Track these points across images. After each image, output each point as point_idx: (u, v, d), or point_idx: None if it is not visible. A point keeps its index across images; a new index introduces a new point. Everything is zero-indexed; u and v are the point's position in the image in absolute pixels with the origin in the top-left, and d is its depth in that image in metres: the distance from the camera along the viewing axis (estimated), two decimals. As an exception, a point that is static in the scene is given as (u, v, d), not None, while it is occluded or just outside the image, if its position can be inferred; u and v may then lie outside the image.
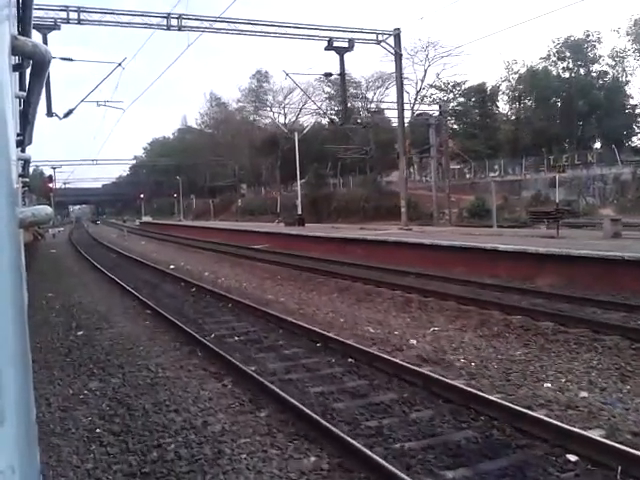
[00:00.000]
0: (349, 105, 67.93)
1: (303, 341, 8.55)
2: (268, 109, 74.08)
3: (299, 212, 32.94)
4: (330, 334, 8.65)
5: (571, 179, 44.61)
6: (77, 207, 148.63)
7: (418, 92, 53.69)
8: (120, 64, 19.25)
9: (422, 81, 52.61)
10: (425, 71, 52.77)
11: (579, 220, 34.78)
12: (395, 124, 61.24)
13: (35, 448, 1.43)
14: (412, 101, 55.07)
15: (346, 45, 20.87)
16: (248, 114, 76.39)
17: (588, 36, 50.24)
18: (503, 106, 61.32)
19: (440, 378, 6.17)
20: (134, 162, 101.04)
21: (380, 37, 21.18)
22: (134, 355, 8.09)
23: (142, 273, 18.99)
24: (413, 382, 6.30)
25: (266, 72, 72.47)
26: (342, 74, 21.47)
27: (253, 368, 7.07)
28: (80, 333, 9.98)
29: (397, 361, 6.93)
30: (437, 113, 51.98)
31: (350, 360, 7.42)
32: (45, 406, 6.20)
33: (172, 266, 20.62)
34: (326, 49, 20.73)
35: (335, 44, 20.69)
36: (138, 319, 10.74)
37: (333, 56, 20.58)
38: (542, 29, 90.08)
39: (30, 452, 1.14)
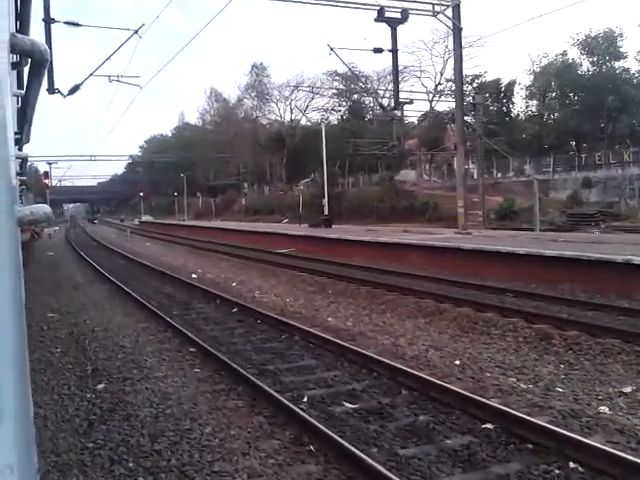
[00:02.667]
0: (359, 99, 65.13)
1: (460, 418, 5.46)
2: (273, 105, 70.82)
3: (325, 212, 29.74)
4: (497, 404, 5.58)
5: (605, 179, 41.70)
6: (71, 205, 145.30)
7: (437, 86, 50.64)
8: (136, 31, 16.08)
9: (441, 74, 49.51)
10: (445, 63, 49.64)
11: (624, 224, 31.85)
12: (411, 119, 58.30)
13: (33, 447, 1.31)
14: (430, 95, 52.10)
15: (399, 16, 17.83)
16: (252, 110, 72.98)
17: (615, 31, 47.55)
18: (521, 102, 58.51)
19: None
20: (133, 159, 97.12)
21: (437, 8, 18.17)
22: (200, 446, 4.97)
23: (161, 284, 15.88)
24: None
25: (262, 64, 69.34)
26: (394, 50, 18.38)
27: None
28: (101, 387, 6.87)
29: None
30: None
31: (575, 466, 4.37)
32: None
33: (194, 275, 17.52)
34: (376, 20, 17.66)
35: (387, 15, 17.66)
36: (182, 362, 7.62)
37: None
38: (566, 21, 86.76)
39: (28, 451, 1.11)
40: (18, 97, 2.35)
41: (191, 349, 8.13)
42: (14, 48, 1.19)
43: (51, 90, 15.36)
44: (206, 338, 8.75)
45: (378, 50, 18.63)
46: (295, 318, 10.56)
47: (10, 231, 0.97)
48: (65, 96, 16.08)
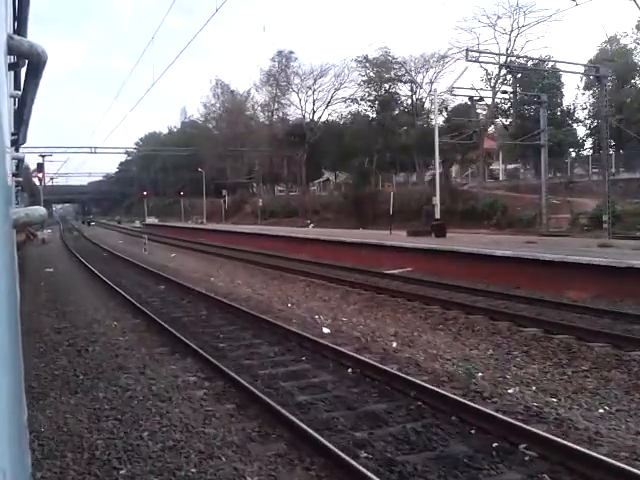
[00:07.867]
0: (392, 90, 57.45)
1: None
2: (294, 95, 62.59)
3: (437, 216, 22.00)
4: None
5: None
6: (59, 206, 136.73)
7: (501, 68, 43.06)
8: None
9: (507, 56, 41.81)
10: (512, 42, 41.97)
11: None
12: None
13: (26, 451, 1.26)
14: (493, 81, 44.62)
15: None
16: (271, 101, 64.92)
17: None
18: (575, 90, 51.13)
19: None
20: (131, 155, 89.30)
21: None
22: None
23: (260, 346, 8.25)
24: None
25: (290, 52, 60.83)
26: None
27: None
28: None
29: None
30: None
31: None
32: None
33: (326, 330, 9.82)
34: None
35: None
36: None
37: None
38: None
39: (21, 455, 1.07)
40: (15, 98, 2.36)
41: None
42: (11, 50, 1.17)
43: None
44: None
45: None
46: None
47: (5, 233, 0.93)
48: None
